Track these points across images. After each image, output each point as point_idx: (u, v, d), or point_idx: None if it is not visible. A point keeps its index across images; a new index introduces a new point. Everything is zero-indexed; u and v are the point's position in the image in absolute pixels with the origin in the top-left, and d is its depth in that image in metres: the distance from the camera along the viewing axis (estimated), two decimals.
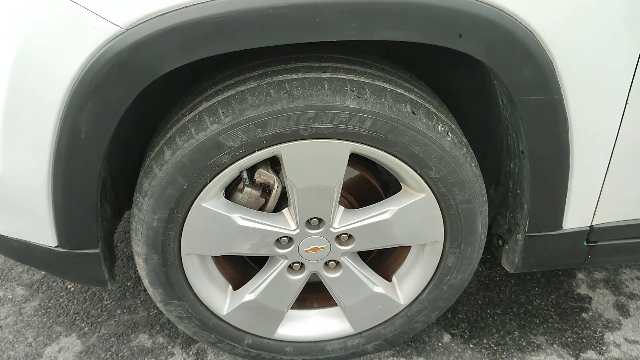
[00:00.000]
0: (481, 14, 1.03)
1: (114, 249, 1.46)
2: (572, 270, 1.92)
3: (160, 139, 1.24)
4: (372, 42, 1.54)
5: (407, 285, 1.48)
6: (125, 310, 1.77)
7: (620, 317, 1.74)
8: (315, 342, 1.54)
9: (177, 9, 0.99)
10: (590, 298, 1.81)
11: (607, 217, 1.39)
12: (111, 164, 1.42)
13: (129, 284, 1.86)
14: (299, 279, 1.42)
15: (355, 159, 1.42)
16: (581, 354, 1.62)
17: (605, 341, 1.66)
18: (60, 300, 1.81)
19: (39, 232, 1.30)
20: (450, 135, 1.22)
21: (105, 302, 1.79)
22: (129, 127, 1.43)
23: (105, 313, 1.76)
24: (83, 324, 1.72)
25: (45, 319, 1.74)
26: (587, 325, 1.71)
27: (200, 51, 1.02)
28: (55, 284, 1.87)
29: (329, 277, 1.43)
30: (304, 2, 1.00)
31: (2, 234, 1.35)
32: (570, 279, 1.88)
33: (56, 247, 1.31)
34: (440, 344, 1.65)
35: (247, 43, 1.02)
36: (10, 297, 1.82)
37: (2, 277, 1.89)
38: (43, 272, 1.91)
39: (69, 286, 1.86)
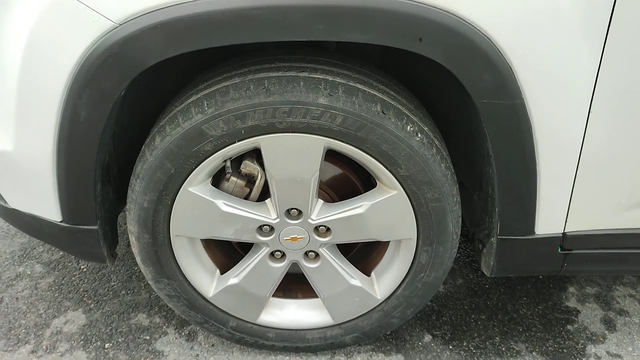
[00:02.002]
0: (440, 20, 1.11)
1: (117, 231, 1.58)
2: (564, 283, 1.93)
3: (154, 128, 1.36)
4: (367, 51, 1.64)
5: (384, 281, 1.54)
6: (129, 292, 1.90)
7: (606, 332, 1.74)
8: (296, 330, 1.62)
9: (163, 7, 1.11)
10: (578, 311, 1.82)
11: (580, 224, 1.42)
12: (120, 154, 1.55)
13: (135, 268, 1.99)
14: (280, 267, 1.51)
15: (339, 159, 1.51)
16: None
17: (586, 353, 1.67)
18: (73, 279, 1.95)
19: (46, 208, 1.43)
20: (419, 135, 1.29)
21: (112, 284, 1.93)
22: (138, 122, 1.58)
23: (111, 293, 1.89)
24: (90, 301, 1.86)
25: (57, 294, 1.88)
26: (571, 336, 1.73)
27: (182, 46, 1.14)
28: (70, 264, 2.02)
29: (309, 267, 1.52)
30: (275, 4, 1.10)
31: (16, 208, 1.50)
32: (560, 291, 1.90)
33: (60, 222, 1.44)
34: (420, 343, 1.70)
35: (224, 40, 1.13)
36: (29, 273, 1.98)
37: (24, 255, 2.06)
38: (61, 253, 2.07)
39: (82, 267, 2.01)
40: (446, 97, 1.59)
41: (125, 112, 1.47)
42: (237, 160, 1.41)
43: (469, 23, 1.11)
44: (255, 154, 1.41)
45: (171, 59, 1.22)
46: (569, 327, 1.76)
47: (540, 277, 1.96)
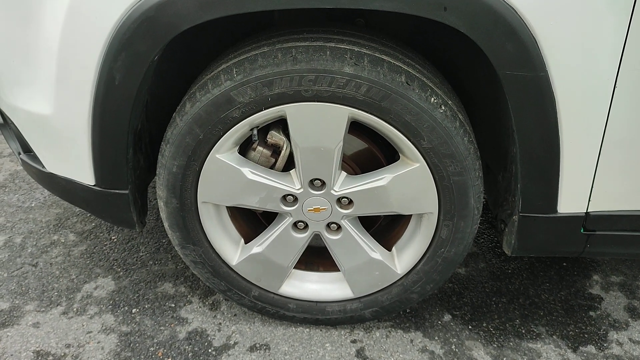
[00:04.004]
0: None
1: (147, 199, 1.64)
2: (588, 270, 1.91)
3: (185, 96, 1.41)
4: (397, 31, 1.66)
5: (404, 256, 1.56)
6: (156, 262, 1.96)
7: (629, 319, 1.72)
8: (317, 302, 1.65)
9: None
10: (602, 298, 1.80)
11: (603, 204, 1.41)
12: (152, 124, 1.61)
13: (163, 241, 2.05)
14: (303, 238, 1.54)
15: (364, 133, 1.54)
16: (580, 347, 1.62)
17: (608, 339, 1.65)
18: (104, 248, 2.03)
19: (80, 171, 1.50)
20: (443, 107, 1.31)
21: (141, 254, 2.00)
22: (171, 95, 1.63)
23: (139, 262, 1.95)
24: (119, 269, 1.92)
25: (88, 262, 1.96)
26: (593, 322, 1.71)
27: (213, 12, 1.18)
28: (102, 234, 2.09)
29: (330, 238, 1.54)
30: None
31: (53, 172, 1.56)
32: (584, 279, 1.88)
33: (94, 185, 1.50)
34: (439, 322, 1.71)
35: (253, 6, 1.17)
36: (63, 241, 2.06)
37: (59, 225, 2.15)
38: (93, 224, 2.14)
39: (112, 238, 2.08)
40: (474, 78, 1.60)
41: (158, 84, 1.52)
42: (264, 132, 1.45)
43: None
44: (282, 125, 1.44)
45: (207, 35, 1.26)
46: (591, 313, 1.75)
47: (564, 263, 1.95)
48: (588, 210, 1.42)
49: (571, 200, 1.41)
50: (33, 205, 2.28)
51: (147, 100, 1.51)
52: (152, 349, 1.62)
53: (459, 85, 1.64)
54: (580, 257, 1.96)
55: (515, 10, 1.14)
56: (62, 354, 1.60)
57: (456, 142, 1.33)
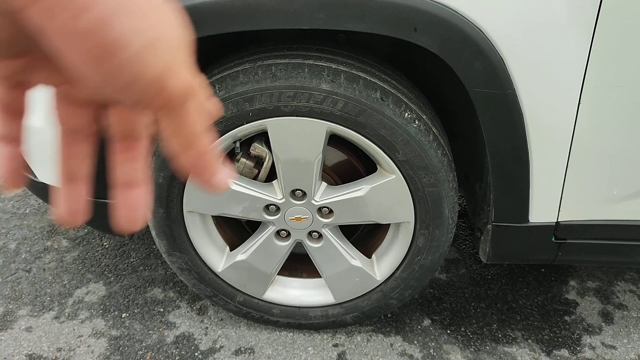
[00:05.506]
0: (433, 11, 1.18)
1: None
2: (565, 276, 1.97)
3: None
4: (378, 46, 1.71)
5: (383, 263, 1.62)
6: (146, 268, 2.01)
7: (603, 324, 1.78)
8: (299, 307, 1.71)
9: None
10: (577, 303, 1.86)
11: (573, 214, 1.47)
12: None
13: (154, 247, 2.11)
14: (285, 246, 1.60)
15: (344, 145, 1.59)
16: (554, 351, 1.68)
17: (581, 343, 1.71)
18: (96, 254, 2.08)
19: None
20: (417, 122, 1.37)
21: (132, 260, 2.05)
22: None
23: (130, 268, 2.01)
24: (110, 275, 1.98)
25: (80, 267, 2.01)
26: (567, 326, 1.77)
27: (195, 32, 1.24)
28: (94, 240, 2.15)
29: (312, 246, 1.60)
30: None
31: (45, 182, 1.62)
32: (561, 284, 1.94)
33: None
34: (419, 327, 1.77)
35: (233, 27, 1.23)
36: (56, 247, 2.12)
37: (52, 231, 2.20)
38: (86, 230, 2.20)
39: (104, 244, 2.13)
40: (451, 92, 1.66)
41: None
42: (247, 143, 1.50)
43: (461, 15, 1.18)
44: (264, 137, 1.50)
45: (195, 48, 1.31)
46: (566, 318, 1.81)
47: (542, 269, 2.00)
48: (558, 220, 1.48)
49: (542, 210, 1.46)
50: (27, 211, 2.34)
51: None
52: (140, 352, 1.68)
53: (439, 97, 1.70)
54: (557, 264, 2.01)
55: (482, 32, 1.20)
56: (54, 358, 1.66)
57: (430, 155, 1.39)
